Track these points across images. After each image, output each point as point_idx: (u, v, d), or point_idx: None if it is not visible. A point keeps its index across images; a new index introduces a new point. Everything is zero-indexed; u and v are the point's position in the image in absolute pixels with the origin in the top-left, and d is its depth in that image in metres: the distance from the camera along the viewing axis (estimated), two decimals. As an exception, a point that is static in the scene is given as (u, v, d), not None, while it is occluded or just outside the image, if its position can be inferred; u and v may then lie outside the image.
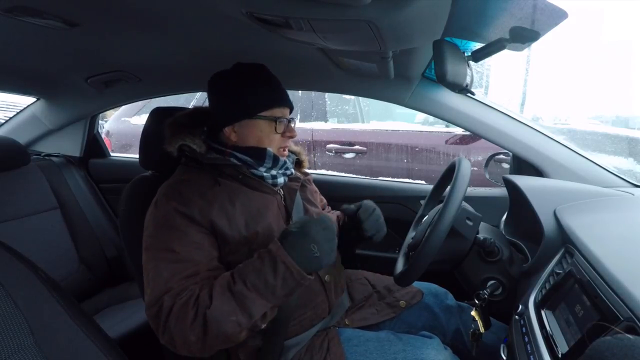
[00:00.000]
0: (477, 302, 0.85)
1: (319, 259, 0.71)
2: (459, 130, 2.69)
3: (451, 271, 0.91)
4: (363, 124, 3.27)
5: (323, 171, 2.77)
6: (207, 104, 0.93)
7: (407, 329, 0.98)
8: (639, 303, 0.49)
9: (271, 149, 0.87)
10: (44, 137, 1.74)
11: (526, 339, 0.66)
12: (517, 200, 1.00)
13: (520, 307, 0.72)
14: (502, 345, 0.76)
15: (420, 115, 3.06)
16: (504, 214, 1.14)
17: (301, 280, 0.70)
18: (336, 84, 1.35)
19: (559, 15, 0.63)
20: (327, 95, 3.17)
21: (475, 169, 1.86)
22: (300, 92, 3.12)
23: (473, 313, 0.87)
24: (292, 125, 0.92)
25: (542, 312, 0.67)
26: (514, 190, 1.01)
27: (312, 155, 3.03)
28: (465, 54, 0.81)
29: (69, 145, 1.77)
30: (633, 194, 1.00)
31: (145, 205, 0.84)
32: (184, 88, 1.57)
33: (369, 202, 0.97)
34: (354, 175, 2.39)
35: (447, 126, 2.79)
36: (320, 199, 1.13)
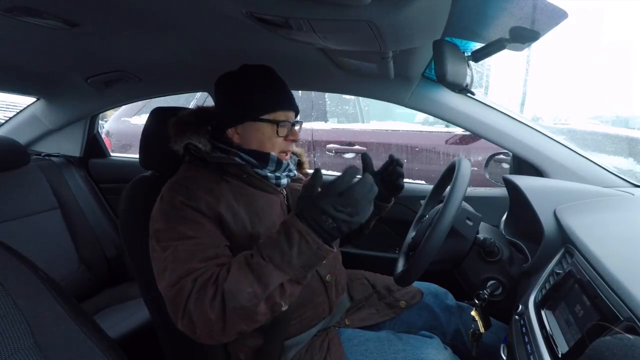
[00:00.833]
0: (477, 302, 0.85)
1: (336, 228, 0.66)
2: (459, 130, 2.69)
3: (451, 271, 0.91)
4: (363, 124, 3.27)
5: (323, 171, 2.77)
6: (207, 104, 0.93)
7: (407, 329, 0.98)
8: (639, 303, 0.49)
9: (274, 153, 0.86)
10: (44, 137, 1.74)
11: (526, 339, 0.66)
12: (517, 200, 1.00)
13: (520, 307, 0.72)
14: (502, 345, 0.76)
15: (420, 115, 3.06)
16: (504, 214, 1.14)
17: (318, 249, 0.66)
18: (336, 84, 1.35)
19: (559, 15, 0.63)
20: (327, 95, 3.17)
21: (475, 169, 1.86)
22: (300, 92, 3.12)
23: (473, 313, 0.87)
24: (298, 128, 0.91)
25: (542, 312, 0.67)
26: (514, 190, 1.01)
27: (312, 155, 3.03)
28: (465, 54, 0.81)
29: (69, 145, 1.77)
30: (633, 194, 1.00)
31: (146, 205, 0.83)
32: (184, 88, 1.57)
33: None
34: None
35: (447, 126, 2.79)
36: None
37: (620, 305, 0.52)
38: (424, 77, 1.22)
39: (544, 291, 0.72)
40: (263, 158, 0.86)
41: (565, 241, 0.78)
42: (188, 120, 0.89)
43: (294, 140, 0.89)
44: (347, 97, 3.24)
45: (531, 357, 0.62)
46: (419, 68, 1.12)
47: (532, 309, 0.70)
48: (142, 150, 1.00)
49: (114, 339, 0.69)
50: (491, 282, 0.84)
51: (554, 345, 0.58)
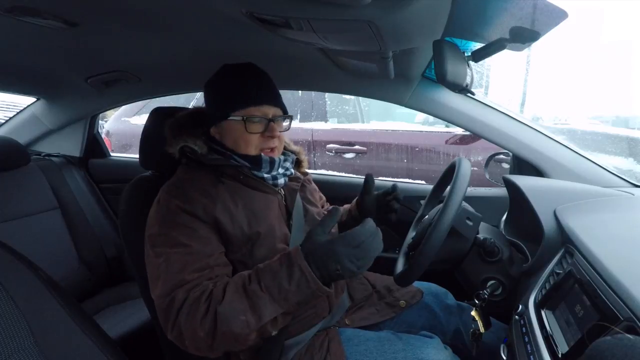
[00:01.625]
0: (477, 302, 0.85)
1: (340, 275, 0.67)
2: (459, 130, 2.69)
3: (451, 271, 0.91)
4: (363, 124, 3.27)
5: (323, 171, 2.78)
6: (207, 104, 0.93)
7: (407, 329, 0.98)
8: (639, 303, 0.49)
9: (252, 152, 0.85)
10: (44, 137, 1.74)
11: (526, 339, 0.66)
12: (517, 200, 1.00)
13: (520, 307, 0.72)
14: (502, 345, 0.76)
15: (420, 115, 3.06)
16: (504, 214, 1.14)
17: (317, 290, 0.67)
18: (336, 84, 1.35)
19: (559, 15, 0.63)
20: (327, 95, 3.17)
21: (475, 169, 1.86)
22: (300, 92, 3.12)
23: (473, 313, 0.87)
24: (287, 124, 0.90)
25: (542, 312, 0.67)
26: (514, 190, 1.01)
27: (312, 155, 3.02)
28: (465, 54, 0.81)
29: (69, 145, 1.77)
30: (633, 194, 1.00)
31: (146, 205, 0.83)
32: (184, 88, 1.57)
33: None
34: (354, 175, 2.39)
35: (447, 126, 2.79)
36: (319, 196, 1.13)
37: (620, 305, 0.52)
38: (424, 77, 1.22)
39: (544, 291, 0.72)
40: (255, 161, 0.85)
41: (565, 241, 0.78)
42: (184, 121, 0.89)
43: (272, 137, 0.86)
44: (347, 97, 3.24)
45: (531, 357, 0.62)
46: (419, 68, 1.12)
47: (532, 309, 0.70)
48: (142, 150, 1.00)
49: (114, 339, 0.69)
50: (491, 282, 0.84)
51: (554, 345, 0.58)
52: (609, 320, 0.51)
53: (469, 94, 0.92)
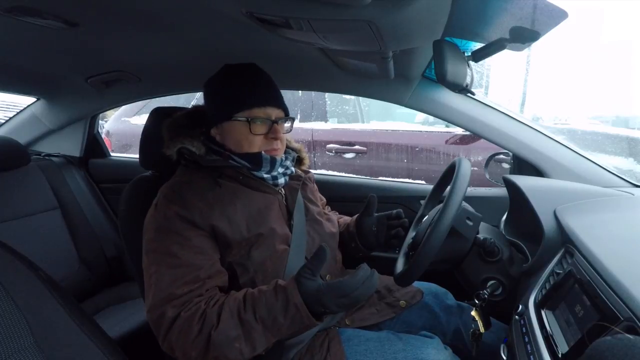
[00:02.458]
0: (477, 302, 0.85)
1: (329, 314, 0.73)
2: (459, 130, 2.69)
3: (451, 271, 0.91)
4: (363, 124, 3.27)
5: (323, 171, 2.78)
6: (207, 104, 0.93)
7: (407, 329, 0.98)
8: (639, 303, 0.49)
9: (261, 152, 0.85)
10: (44, 137, 1.74)
11: (526, 339, 0.66)
12: (517, 200, 1.00)
13: (520, 307, 0.72)
14: (502, 345, 0.76)
15: (420, 115, 3.06)
16: (504, 214, 1.14)
17: (309, 324, 0.70)
18: (336, 84, 1.35)
19: (559, 15, 0.63)
20: (327, 95, 3.17)
21: (475, 169, 1.85)
22: (300, 92, 3.12)
23: (473, 313, 0.87)
24: (289, 125, 0.90)
25: (542, 312, 0.67)
26: (514, 190, 1.01)
27: (312, 155, 3.02)
28: (465, 54, 0.81)
29: (69, 145, 1.77)
30: (633, 194, 1.00)
31: (145, 205, 0.83)
32: (184, 88, 1.57)
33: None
34: (354, 175, 2.39)
35: (447, 126, 2.79)
36: (319, 197, 1.13)
37: (620, 305, 0.52)
38: (424, 77, 1.22)
39: (544, 291, 0.72)
40: (255, 160, 0.85)
41: (565, 241, 0.78)
42: (182, 122, 0.89)
43: (275, 138, 0.86)
44: (347, 97, 3.24)
45: (531, 357, 0.62)
46: (419, 68, 1.12)
47: (532, 309, 0.70)
48: (142, 150, 1.00)
49: (114, 339, 0.69)
50: (491, 282, 0.84)
51: (554, 345, 0.58)
52: (609, 320, 0.51)
53: (469, 94, 0.92)
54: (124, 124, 3.25)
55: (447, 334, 0.98)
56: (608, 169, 1.15)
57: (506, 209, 1.12)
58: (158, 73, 1.34)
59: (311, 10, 0.57)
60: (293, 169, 0.95)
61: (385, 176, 2.59)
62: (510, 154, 1.33)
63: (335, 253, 0.99)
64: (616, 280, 0.56)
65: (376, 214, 1.04)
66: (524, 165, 1.23)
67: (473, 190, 1.41)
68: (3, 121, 1.76)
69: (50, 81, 1.42)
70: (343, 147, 2.97)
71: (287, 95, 1.03)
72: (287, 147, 1.01)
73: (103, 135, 2.29)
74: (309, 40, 0.76)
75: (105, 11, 0.76)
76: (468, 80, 0.81)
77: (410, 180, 1.90)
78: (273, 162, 0.87)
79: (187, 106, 1.01)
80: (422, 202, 1.10)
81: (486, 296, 0.83)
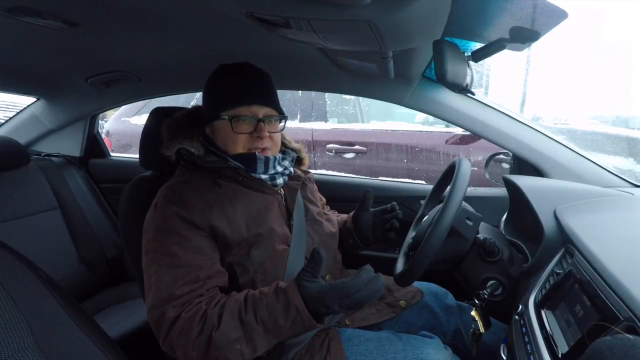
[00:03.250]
0: (477, 302, 0.85)
1: (330, 315, 0.72)
2: (459, 130, 2.69)
3: (451, 271, 0.91)
4: (363, 124, 3.27)
5: (323, 171, 2.78)
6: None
7: (407, 329, 0.98)
8: (639, 303, 0.49)
9: (240, 151, 0.84)
10: (44, 137, 1.75)
11: (526, 339, 0.66)
12: (517, 200, 1.00)
13: (520, 307, 0.72)
14: (502, 345, 0.76)
15: (420, 115, 3.06)
16: (504, 214, 1.14)
17: (310, 326, 0.70)
18: (336, 84, 1.35)
19: (559, 15, 0.63)
20: (327, 95, 3.17)
21: (475, 169, 1.85)
22: (300, 92, 3.12)
23: (473, 313, 0.87)
24: (282, 125, 0.89)
25: (542, 312, 0.67)
26: (514, 190, 1.01)
27: (312, 155, 3.02)
28: (465, 54, 0.81)
29: (69, 145, 1.77)
30: (633, 194, 1.00)
31: (145, 205, 0.83)
32: (184, 88, 1.57)
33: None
34: (354, 175, 2.39)
35: (447, 126, 2.79)
36: (319, 197, 1.13)
37: (620, 305, 0.52)
38: (424, 77, 1.22)
39: (544, 291, 0.72)
40: (247, 161, 0.85)
41: (565, 241, 0.78)
42: (182, 122, 0.89)
43: (260, 137, 0.84)
44: (347, 97, 3.24)
45: (531, 357, 0.62)
46: (419, 68, 1.12)
47: (532, 309, 0.70)
48: (142, 150, 1.00)
49: (114, 339, 0.69)
50: (491, 282, 0.84)
51: (554, 345, 0.58)
52: (609, 320, 0.51)
53: (469, 94, 0.92)
54: (124, 124, 3.25)
55: (447, 334, 0.98)
56: (608, 169, 1.15)
57: (506, 209, 1.12)
58: (158, 73, 1.34)
59: (311, 10, 0.57)
60: (292, 169, 0.95)
61: (385, 176, 2.59)
62: (510, 154, 1.33)
63: (335, 253, 0.99)
64: (616, 280, 0.56)
65: (372, 209, 1.04)
66: (524, 165, 1.23)
67: (473, 190, 1.41)
68: (3, 121, 1.76)
69: (50, 81, 1.42)
70: (343, 147, 2.97)
71: (287, 95, 1.03)
72: (287, 147, 1.00)
73: (103, 135, 2.29)
74: (309, 40, 0.76)
75: (105, 11, 0.76)
76: (468, 80, 0.81)
77: (410, 180, 1.90)
78: (267, 162, 0.86)
79: (187, 106, 1.01)
80: (422, 202, 1.10)
81: (486, 296, 0.83)
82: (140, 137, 1.01)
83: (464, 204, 0.86)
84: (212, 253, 0.79)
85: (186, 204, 0.78)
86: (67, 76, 1.37)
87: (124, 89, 1.49)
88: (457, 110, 1.22)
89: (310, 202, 0.99)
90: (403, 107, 1.31)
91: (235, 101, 0.83)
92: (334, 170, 2.93)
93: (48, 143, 1.76)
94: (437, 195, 1.07)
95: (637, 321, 0.48)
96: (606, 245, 0.69)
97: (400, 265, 0.93)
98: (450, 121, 1.26)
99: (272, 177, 0.88)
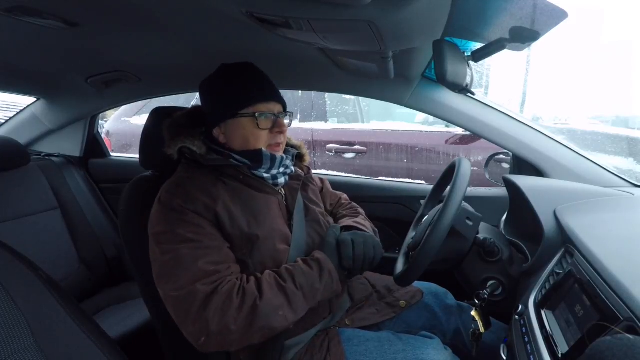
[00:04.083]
0: (477, 302, 0.85)
1: (347, 275, 0.86)
2: (459, 130, 2.69)
3: (451, 271, 0.91)
4: (363, 124, 3.27)
5: (323, 171, 2.78)
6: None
7: (407, 329, 0.98)
8: (639, 303, 0.49)
9: (262, 148, 0.85)
10: (44, 137, 1.75)
11: (526, 339, 0.66)
12: (517, 200, 1.00)
13: (520, 307, 0.72)
14: (502, 345, 0.76)
15: (420, 115, 3.06)
16: (504, 214, 1.14)
17: (337, 289, 0.83)
18: (336, 84, 1.35)
19: (559, 15, 0.63)
20: (327, 95, 3.17)
21: (475, 169, 1.85)
22: (300, 92, 3.12)
23: (473, 313, 0.87)
24: (288, 119, 0.90)
25: (542, 312, 0.67)
26: (514, 190, 1.01)
27: (312, 155, 3.02)
28: (465, 54, 0.81)
29: (69, 145, 1.77)
30: (633, 194, 1.00)
31: (146, 205, 0.83)
32: (184, 88, 1.57)
33: (346, 237, 0.88)
34: (354, 175, 2.39)
35: (447, 126, 2.79)
36: (322, 186, 1.15)
37: (620, 305, 0.52)
38: (424, 77, 1.22)
39: (544, 291, 0.72)
40: (256, 157, 0.85)
41: (565, 241, 0.78)
42: (182, 122, 0.89)
43: (281, 132, 0.87)
44: (347, 97, 3.24)
45: (531, 357, 0.62)
46: (419, 68, 1.12)
47: (532, 309, 0.70)
48: (142, 150, 1.00)
49: (114, 339, 0.69)
50: (491, 282, 0.84)
51: (554, 345, 0.58)
52: (609, 320, 0.51)
53: (469, 94, 0.92)
54: (124, 124, 3.25)
55: (447, 334, 0.98)
56: (608, 169, 1.15)
57: (506, 209, 1.12)
58: (158, 73, 1.34)
59: (311, 10, 0.57)
60: (293, 168, 0.95)
61: (385, 176, 2.59)
62: (510, 154, 1.33)
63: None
64: (616, 280, 0.56)
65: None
66: (524, 165, 1.23)
67: (473, 190, 1.41)
68: (3, 121, 1.76)
69: (50, 81, 1.42)
70: (343, 147, 2.97)
71: (287, 95, 1.03)
72: (287, 144, 1.01)
73: (103, 135, 2.29)
74: (309, 40, 0.76)
75: (105, 11, 0.76)
76: (468, 80, 0.81)
77: (410, 180, 1.91)
78: (273, 160, 0.87)
79: (187, 106, 1.01)
80: (422, 202, 1.10)
81: (486, 296, 0.83)
82: (140, 137, 1.00)
83: (464, 204, 0.86)
84: (224, 241, 0.79)
85: (190, 197, 0.78)
86: (67, 76, 1.37)
87: (124, 89, 1.49)
88: (457, 110, 1.22)
89: (312, 203, 0.99)
90: (403, 107, 1.31)
91: (255, 98, 0.84)
92: (334, 170, 2.94)
93: (48, 143, 1.76)
94: (437, 195, 1.07)
95: (637, 321, 0.48)
96: (606, 245, 0.69)
97: (400, 265, 0.93)
98: (450, 121, 1.26)
99: (274, 177, 0.88)
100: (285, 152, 0.96)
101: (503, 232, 1.03)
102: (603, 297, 0.55)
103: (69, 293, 0.65)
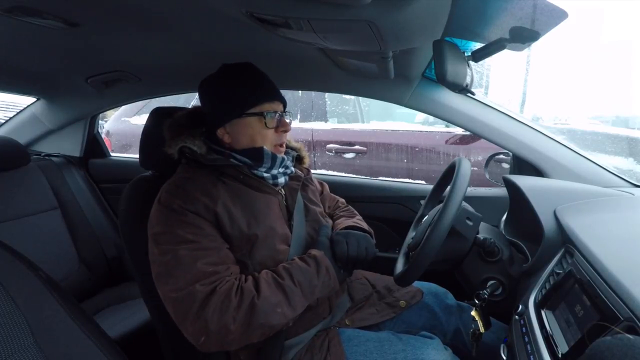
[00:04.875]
0: (477, 302, 0.85)
1: (344, 275, 0.87)
2: (459, 130, 2.69)
3: (451, 271, 0.91)
4: (363, 124, 3.27)
5: (323, 171, 2.78)
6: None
7: (407, 329, 0.98)
8: (639, 303, 0.49)
9: (267, 147, 0.86)
10: (44, 137, 1.75)
11: (526, 339, 0.66)
12: (517, 200, 1.00)
13: (520, 307, 0.72)
14: (502, 345, 0.76)
15: (420, 115, 3.06)
16: (504, 214, 1.14)
17: (335, 286, 0.83)
18: (336, 84, 1.35)
19: (559, 15, 0.63)
20: (327, 95, 3.17)
21: (475, 169, 1.85)
22: (300, 92, 3.12)
23: (473, 313, 0.87)
24: (288, 119, 0.90)
25: (542, 312, 0.67)
26: (514, 190, 1.01)
27: (312, 155, 3.02)
28: (465, 54, 0.81)
29: (69, 145, 1.77)
30: (633, 194, 1.00)
31: (146, 205, 0.83)
32: (184, 88, 1.57)
33: (339, 236, 0.90)
34: (354, 175, 2.39)
35: (447, 126, 2.79)
36: (322, 189, 1.15)
37: (620, 305, 0.52)
38: (424, 77, 1.22)
39: (544, 291, 0.72)
40: (257, 156, 0.85)
41: (565, 241, 0.78)
42: (183, 122, 0.89)
43: (286, 131, 0.88)
44: (347, 97, 3.24)
45: (531, 357, 0.62)
46: (419, 68, 1.12)
47: (532, 309, 0.70)
48: (142, 150, 1.00)
49: (114, 339, 0.69)
50: (491, 282, 0.84)
51: (554, 345, 0.58)
52: (609, 320, 0.51)
53: (469, 94, 0.92)
54: (124, 124, 3.24)
55: (447, 334, 0.98)
56: (608, 169, 1.15)
57: (506, 209, 1.12)
58: (158, 73, 1.34)
59: (311, 10, 0.57)
60: (293, 168, 0.95)
61: (385, 176, 2.59)
62: (510, 154, 1.33)
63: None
64: (616, 280, 0.56)
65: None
66: (524, 165, 1.23)
67: (473, 190, 1.41)
68: (3, 121, 1.76)
69: (50, 81, 1.42)
70: (343, 147, 2.97)
71: (287, 96, 1.03)
72: (287, 146, 1.01)
73: (103, 135, 2.29)
74: (309, 40, 0.76)
75: (105, 11, 0.76)
76: (468, 80, 0.81)
77: (410, 180, 1.90)
78: (274, 159, 0.87)
79: (187, 106, 1.01)
80: (422, 202, 1.10)
81: (486, 296, 0.83)
82: (140, 137, 1.00)
83: (464, 204, 0.86)
84: (224, 242, 0.79)
85: (190, 197, 0.78)
86: (67, 76, 1.37)
87: (124, 89, 1.49)
88: (457, 110, 1.22)
89: (311, 203, 0.99)
90: (403, 107, 1.31)
91: (260, 97, 0.85)
92: (334, 170, 2.93)
93: (48, 143, 1.76)
94: (437, 195, 1.07)
95: (637, 321, 0.48)
96: (606, 245, 0.69)
97: (400, 265, 0.93)
98: (450, 121, 1.26)
99: (274, 177, 0.88)
100: (285, 153, 0.96)
101: (503, 232, 1.03)
102: (603, 297, 0.55)
103: (69, 293, 0.65)
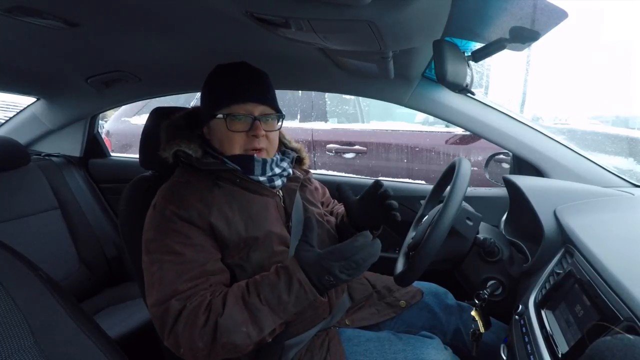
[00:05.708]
0: (477, 302, 0.85)
1: (333, 284, 0.71)
2: (459, 130, 2.69)
3: (451, 271, 0.91)
4: (363, 124, 3.27)
5: (323, 171, 2.77)
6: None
7: (407, 329, 0.98)
8: (639, 303, 0.49)
9: (237, 152, 0.83)
10: (44, 137, 1.75)
11: (526, 339, 0.66)
12: (517, 200, 1.00)
13: (520, 307, 0.72)
14: (502, 345, 0.76)
15: (420, 115, 3.06)
16: (504, 214, 1.14)
17: (314, 300, 0.71)
18: (336, 84, 1.35)
19: (559, 15, 0.63)
20: (327, 95, 3.17)
21: (475, 169, 1.86)
22: (300, 92, 3.12)
23: (473, 313, 0.87)
24: (279, 124, 0.88)
25: (542, 312, 0.67)
26: (514, 190, 1.01)
27: (312, 155, 3.02)
28: (465, 54, 0.81)
29: (69, 145, 1.77)
30: (633, 194, 1.00)
31: (145, 205, 0.83)
32: (184, 88, 1.57)
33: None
34: (354, 175, 2.39)
35: (447, 126, 2.79)
36: (323, 192, 1.14)
37: (620, 305, 0.52)
38: (424, 77, 1.22)
39: (544, 291, 0.72)
40: (246, 164, 0.84)
41: (565, 241, 0.78)
42: (180, 123, 0.89)
43: (256, 136, 0.82)
44: (347, 97, 3.24)
45: (531, 357, 0.62)
46: (419, 68, 1.12)
47: (532, 309, 0.70)
48: (142, 150, 1.00)
49: (114, 339, 0.69)
50: (491, 282, 0.84)
51: (554, 345, 0.58)
52: (609, 320, 0.51)
53: (469, 94, 0.92)
54: (124, 124, 3.25)
55: (447, 334, 0.98)
56: (608, 169, 1.15)
57: (506, 209, 1.12)
58: (158, 73, 1.34)
59: (311, 10, 0.57)
60: (290, 170, 0.94)
61: (385, 176, 2.59)
62: (510, 154, 1.33)
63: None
64: (616, 280, 0.56)
65: (356, 197, 0.99)
66: (524, 165, 1.23)
67: (473, 190, 1.41)
68: (3, 121, 1.76)
69: (50, 81, 1.42)
70: (343, 147, 2.97)
71: (287, 95, 1.03)
72: (286, 147, 1.00)
73: (103, 135, 2.29)
74: (309, 40, 0.76)
75: (105, 11, 0.76)
76: (468, 80, 0.81)
77: (410, 180, 1.91)
78: (264, 165, 0.85)
79: (187, 106, 1.01)
80: (422, 202, 1.10)
81: (486, 296, 0.83)
82: (140, 137, 1.00)
83: (464, 204, 0.86)
84: (215, 251, 0.78)
85: (185, 204, 0.78)
86: (67, 76, 1.37)
87: (124, 89, 1.49)
88: (457, 110, 1.22)
89: (310, 203, 0.98)
90: (403, 107, 1.31)
91: (229, 99, 0.82)
92: (334, 170, 2.93)
93: (48, 143, 1.76)
94: (437, 195, 1.07)
95: (637, 321, 0.48)
96: (606, 245, 0.69)
97: (400, 265, 0.93)
98: (450, 121, 1.26)
99: (270, 179, 0.88)
100: (284, 154, 0.96)
101: (503, 232, 1.03)
102: (603, 297, 0.55)
103: (69, 293, 0.65)
